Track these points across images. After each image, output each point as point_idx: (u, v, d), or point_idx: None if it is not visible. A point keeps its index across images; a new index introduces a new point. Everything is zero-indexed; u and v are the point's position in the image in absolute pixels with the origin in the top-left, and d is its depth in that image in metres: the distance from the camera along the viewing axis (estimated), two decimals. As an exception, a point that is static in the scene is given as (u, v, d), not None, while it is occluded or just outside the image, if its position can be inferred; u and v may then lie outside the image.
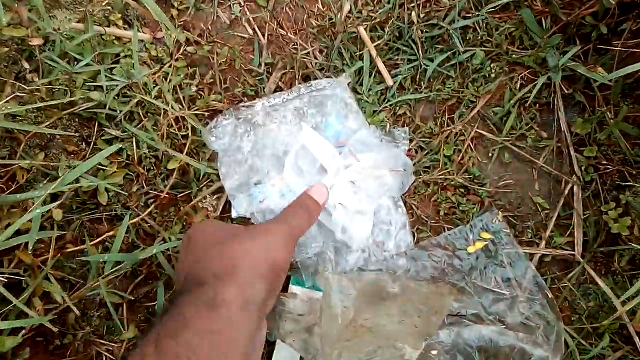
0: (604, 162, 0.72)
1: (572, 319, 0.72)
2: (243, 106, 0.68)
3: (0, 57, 0.68)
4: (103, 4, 0.82)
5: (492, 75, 0.77)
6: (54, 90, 0.74)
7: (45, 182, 0.72)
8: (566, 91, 0.74)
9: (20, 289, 0.64)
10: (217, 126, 0.70)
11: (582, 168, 0.73)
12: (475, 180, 0.76)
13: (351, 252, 0.67)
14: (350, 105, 0.69)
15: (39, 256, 0.70)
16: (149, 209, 0.77)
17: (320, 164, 0.63)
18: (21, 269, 0.63)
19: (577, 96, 0.74)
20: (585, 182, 0.73)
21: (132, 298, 0.75)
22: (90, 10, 0.81)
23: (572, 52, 0.69)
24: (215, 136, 0.69)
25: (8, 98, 0.64)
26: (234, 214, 0.67)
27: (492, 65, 0.77)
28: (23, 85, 0.68)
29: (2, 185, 0.67)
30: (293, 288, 0.68)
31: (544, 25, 0.74)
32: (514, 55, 0.76)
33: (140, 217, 0.76)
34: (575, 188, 0.73)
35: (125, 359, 0.71)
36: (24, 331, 0.63)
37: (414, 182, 0.75)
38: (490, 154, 0.76)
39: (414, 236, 0.74)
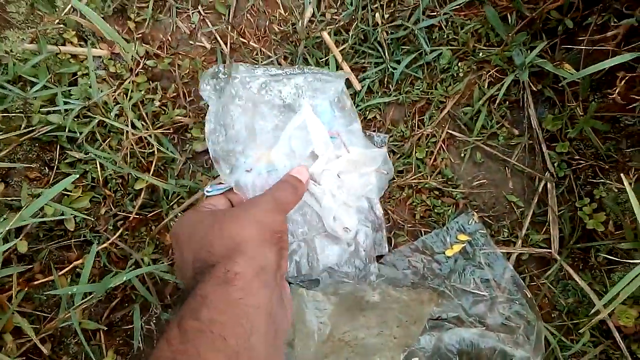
0: (577, 157, 0.71)
1: (553, 315, 0.72)
2: (243, 66, 0.62)
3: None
4: (56, 22, 0.78)
5: (461, 75, 0.76)
6: (10, 117, 0.71)
7: (7, 213, 0.70)
8: (535, 88, 0.73)
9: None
10: (214, 77, 0.63)
11: (555, 164, 0.73)
12: (449, 182, 0.75)
13: (338, 244, 0.65)
14: (344, 99, 0.66)
15: (7, 291, 0.68)
16: (119, 232, 0.75)
17: (312, 149, 0.59)
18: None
19: (547, 92, 0.73)
20: (558, 179, 0.73)
21: (106, 327, 0.73)
22: (43, 29, 0.77)
23: (538, 49, 0.68)
24: (208, 85, 0.62)
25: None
26: (208, 190, 0.58)
27: (459, 65, 0.76)
28: (-26, 115, 0.65)
29: (-41, 221, 0.64)
30: None
31: (509, 21, 0.73)
32: (481, 54, 0.74)
33: (110, 240, 0.74)
34: (549, 185, 0.73)
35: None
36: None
37: (388, 187, 0.74)
38: (462, 155, 0.75)
39: (390, 241, 0.73)
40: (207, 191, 0.57)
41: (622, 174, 0.57)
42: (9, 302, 0.66)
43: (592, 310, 0.66)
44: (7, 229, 0.58)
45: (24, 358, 0.69)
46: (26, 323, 0.64)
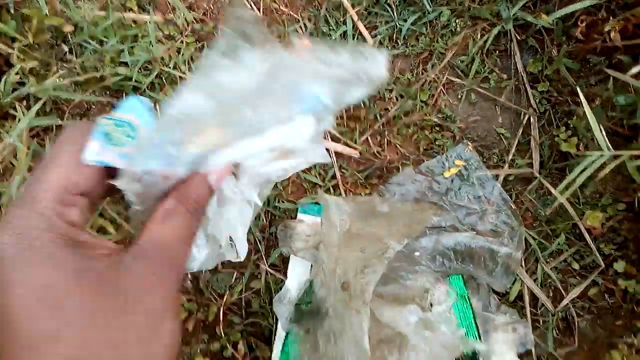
0: (555, 94, 0.86)
1: (534, 224, 0.86)
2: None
3: (44, 42, 0.82)
4: (120, -8, 0.94)
5: (458, 30, 0.90)
6: (86, 67, 0.88)
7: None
8: (520, 37, 0.87)
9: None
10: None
11: (537, 101, 0.87)
12: (448, 119, 0.89)
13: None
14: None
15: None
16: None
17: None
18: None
19: (530, 41, 0.87)
20: (540, 113, 0.87)
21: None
22: (110, -2, 0.94)
23: (521, 4, 0.82)
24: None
25: (55, 76, 0.78)
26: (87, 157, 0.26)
27: (457, 21, 0.90)
28: (64, 64, 0.82)
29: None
30: (300, 216, 0.82)
31: (497, -19, 0.87)
32: (474, 11, 0.89)
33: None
34: (532, 118, 0.87)
35: None
36: None
37: (398, 124, 0.89)
38: (459, 96, 0.90)
39: (399, 170, 0.88)
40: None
41: (584, 100, 0.71)
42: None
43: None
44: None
45: None
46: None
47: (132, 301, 0.21)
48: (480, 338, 0.74)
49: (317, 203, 0.84)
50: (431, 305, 0.67)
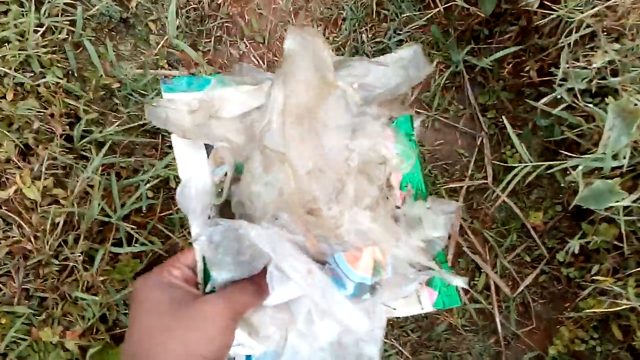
0: (501, 119, 1.06)
1: (493, 226, 1.06)
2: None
3: (100, 97, 1.06)
4: (153, 55, 1.20)
5: (422, 71, 1.13)
6: (132, 116, 1.12)
7: (141, 173, 1.09)
8: (469, 76, 1.09)
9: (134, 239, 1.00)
10: None
11: (487, 126, 1.08)
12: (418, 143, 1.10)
13: None
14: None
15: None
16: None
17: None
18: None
19: (478, 78, 1.09)
20: (490, 135, 1.08)
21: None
22: (146, 60, 1.19)
23: (466, 50, 1.04)
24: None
25: (113, 127, 1.02)
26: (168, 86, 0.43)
27: (421, 64, 1.13)
28: (116, 115, 1.06)
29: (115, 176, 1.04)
30: (167, 96, 0.45)
31: (449, 32, 1.10)
32: (434, 57, 1.12)
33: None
34: (484, 140, 1.08)
35: None
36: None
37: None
38: (426, 125, 1.12)
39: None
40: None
41: (508, 126, 0.91)
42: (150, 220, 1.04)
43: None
44: (150, 175, 0.97)
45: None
46: (162, 228, 1.03)
47: (202, 319, 0.36)
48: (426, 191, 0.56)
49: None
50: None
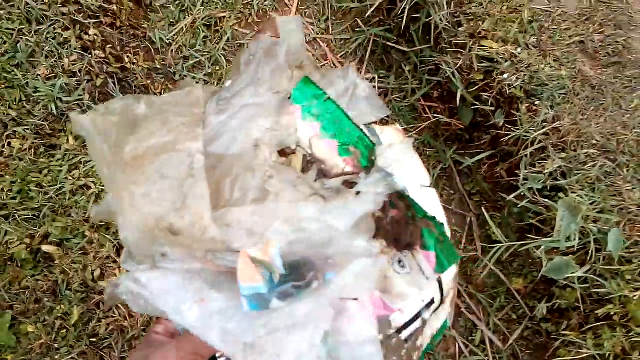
0: (484, 202, 1.34)
1: (485, 290, 1.30)
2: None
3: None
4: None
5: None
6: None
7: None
8: (457, 169, 1.38)
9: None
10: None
11: (474, 208, 1.35)
12: (419, 223, 1.37)
13: None
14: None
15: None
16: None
17: None
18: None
19: (464, 170, 1.38)
20: (477, 214, 1.35)
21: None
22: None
23: (452, 150, 1.34)
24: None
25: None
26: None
27: (418, 159, 1.42)
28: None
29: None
30: None
31: (439, 134, 1.40)
32: (428, 153, 1.41)
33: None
34: (472, 219, 1.35)
35: None
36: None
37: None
38: (425, 207, 1.39)
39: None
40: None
41: (485, 212, 1.18)
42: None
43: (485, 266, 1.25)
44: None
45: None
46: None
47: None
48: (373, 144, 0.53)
49: None
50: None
